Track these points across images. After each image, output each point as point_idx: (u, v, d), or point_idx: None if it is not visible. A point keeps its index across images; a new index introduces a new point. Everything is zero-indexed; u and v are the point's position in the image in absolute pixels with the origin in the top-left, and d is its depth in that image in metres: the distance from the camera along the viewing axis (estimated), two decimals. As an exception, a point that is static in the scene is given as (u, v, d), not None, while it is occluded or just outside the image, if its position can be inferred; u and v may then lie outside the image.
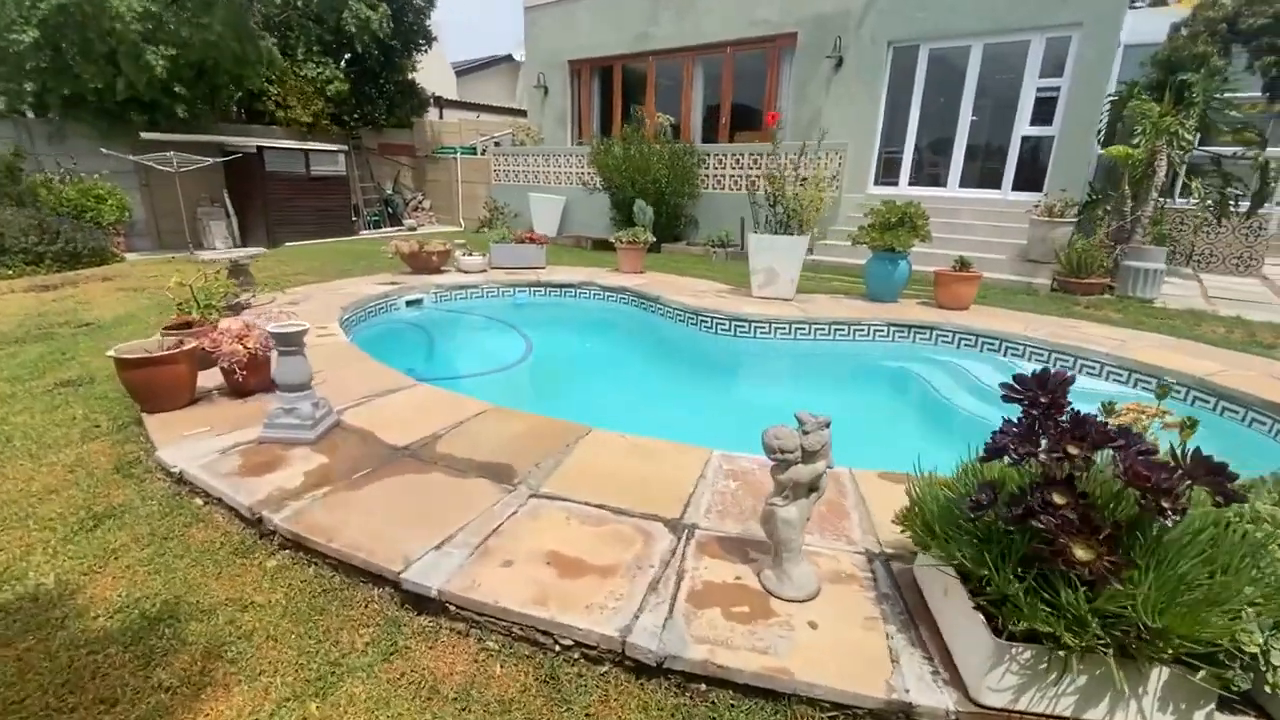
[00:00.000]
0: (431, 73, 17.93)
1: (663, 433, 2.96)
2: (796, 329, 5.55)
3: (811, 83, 10.72)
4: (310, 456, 2.69)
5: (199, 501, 2.51)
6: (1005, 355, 5.20)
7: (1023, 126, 9.18)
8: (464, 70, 21.76)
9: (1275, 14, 7.30)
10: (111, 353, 3.02)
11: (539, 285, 7.11)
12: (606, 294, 6.95)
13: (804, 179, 6.35)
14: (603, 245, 11.67)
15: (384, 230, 14.85)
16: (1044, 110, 9.02)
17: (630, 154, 10.47)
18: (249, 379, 3.29)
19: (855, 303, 6.24)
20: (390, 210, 15.83)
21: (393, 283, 6.66)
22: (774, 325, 5.56)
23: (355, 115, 14.78)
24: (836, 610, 1.82)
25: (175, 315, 3.82)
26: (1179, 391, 4.32)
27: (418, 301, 6.48)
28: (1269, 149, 8.11)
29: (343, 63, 14.37)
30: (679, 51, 12.18)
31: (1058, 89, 8.83)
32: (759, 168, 10.19)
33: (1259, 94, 8.07)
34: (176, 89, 10.40)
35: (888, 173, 10.63)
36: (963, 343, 5.41)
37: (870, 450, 4.04)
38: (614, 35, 12.87)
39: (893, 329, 5.58)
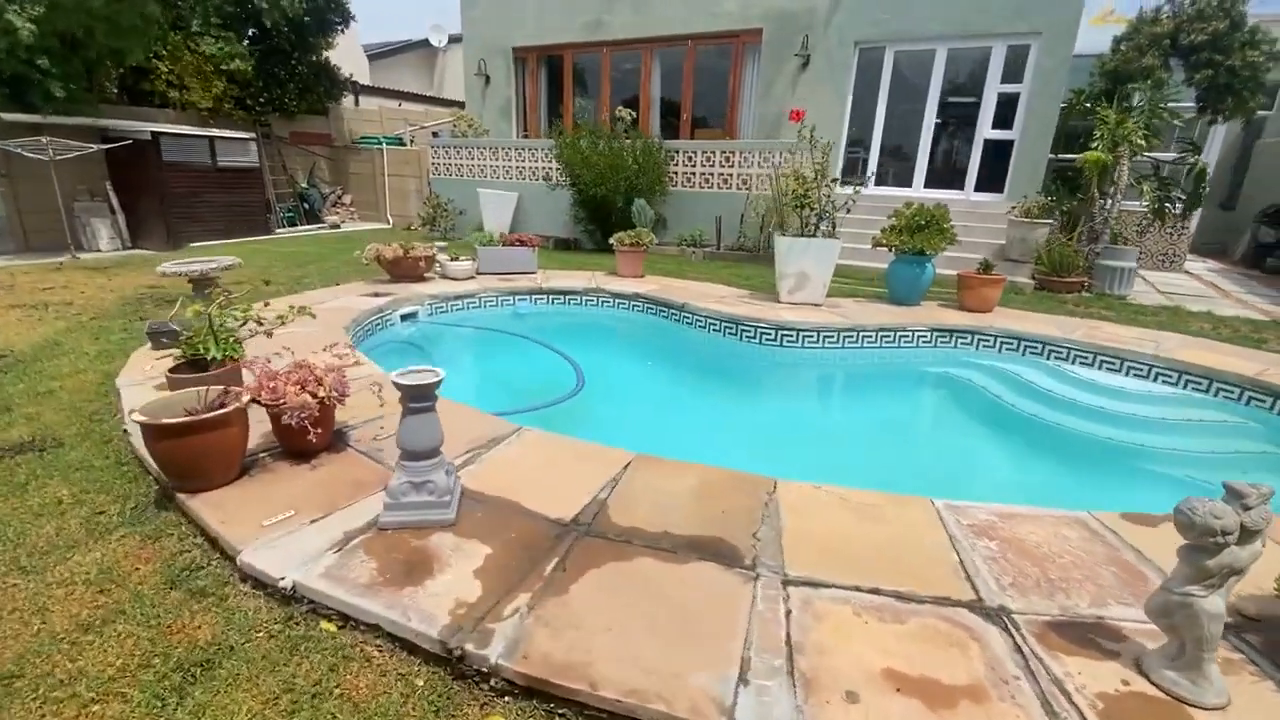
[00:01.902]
0: (342, 56, 16.28)
1: (766, 466, 2.62)
2: (845, 337, 5.31)
3: (778, 81, 10.61)
4: (462, 546, 2.04)
5: (330, 627, 1.81)
6: (1050, 359, 5.22)
7: (985, 130, 9.52)
8: (376, 54, 20.02)
9: (1213, 31, 7.94)
10: (138, 417, 2.18)
11: (539, 292, 6.44)
12: (617, 301, 6.40)
13: (815, 177, 6.10)
14: (564, 245, 11.02)
15: (301, 229, 13.30)
16: (1004, 114, 9.40)
17: (599, 149, 9.88)
18: (322, 437, 2.53)
19: (883, 306, 6.10)
20: (307, 206, 14.21)
21: (377, 294, 5.76)
22: (822, 334, 5.28)
23: (262, 99, 13.08)
24: (1258, 708, 1.51)
25: (181, 353, 2.92)
26: (1232, 392, 4.47)
27: (412, 315, 5.64)
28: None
29: (246, 39, 12.64)
30: (636, 43, 11.69)
31: (1018, 94, 9.22)
32: (730, 165, 9.97)
33: (1192, 104, 8.81)
34: (40, 62, 8.59)
35: (854, 173, 10.73)
36: (1004, 346, 5.39)
37: (974, 474, 3.88)
38: (564, 22, 12.16)
39: (935, 334, 5.47)
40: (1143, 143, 7.87)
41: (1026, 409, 4.62)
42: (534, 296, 6.40)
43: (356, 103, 16.55)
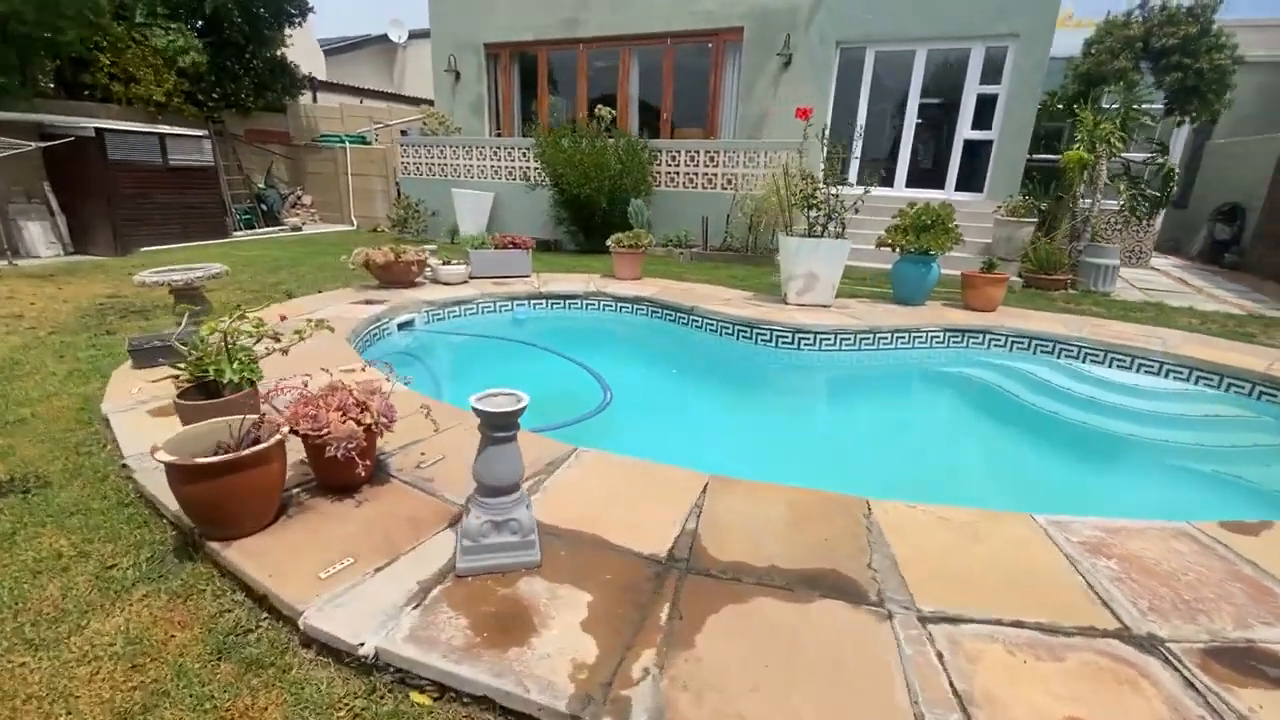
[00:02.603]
0: (298, 51, 15.53)
1: (816, 477, 2.53)
2: (862, 339, 5.22)
3: (760, 81, 10.55)
4: (557, 593, 1.81)
5: (424, 700, 1.55)
6: (1061, 357, 5.24)
7: (965, 130, 9.66)
8: (333, 49, 19.20)
9: (1183, 35, 8.23)
10: (165, 457, 1.86)
11: (538, 297, 6.17)
12: (620, 305, 6.18)
13: (825, 176, 6.02)
14: (544, 246, 10.69)
15: (260, 231, 12.61)
16: (983, 115, 9.55)
17: (581, 148, 9.62)
18: (369, 469, 2.24)
19: (889, 307, 6.05)
20: (265, 207, 13.48)
21: (369, 301, 5.39)
22: (839, 336, 5.18)
23: (215, 95, 12.33)
24: None
25: (186, 375, 2.57)
26: (1243, 387, 4.56)
27: (409, 323, 5.29)
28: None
29: (195, 30, 11.87)
30: (614, 40, 11.46)
31: (996, 95, 9.38)
32: (715, 165, 9.86)
33: (1159, 106, 9.13)
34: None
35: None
36: (1015, 345, 5.40)
37: (1014, 476, 3.80)
38: (538, 18, 11.83)
39: (948, 334, 5.44)
40: (1120, 144, 8.08)
41: (1050, 408, 4.61)
42: (533, 301, 6.12)
43: (315, 99, 15.84)
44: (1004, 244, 8.26)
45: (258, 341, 2.65)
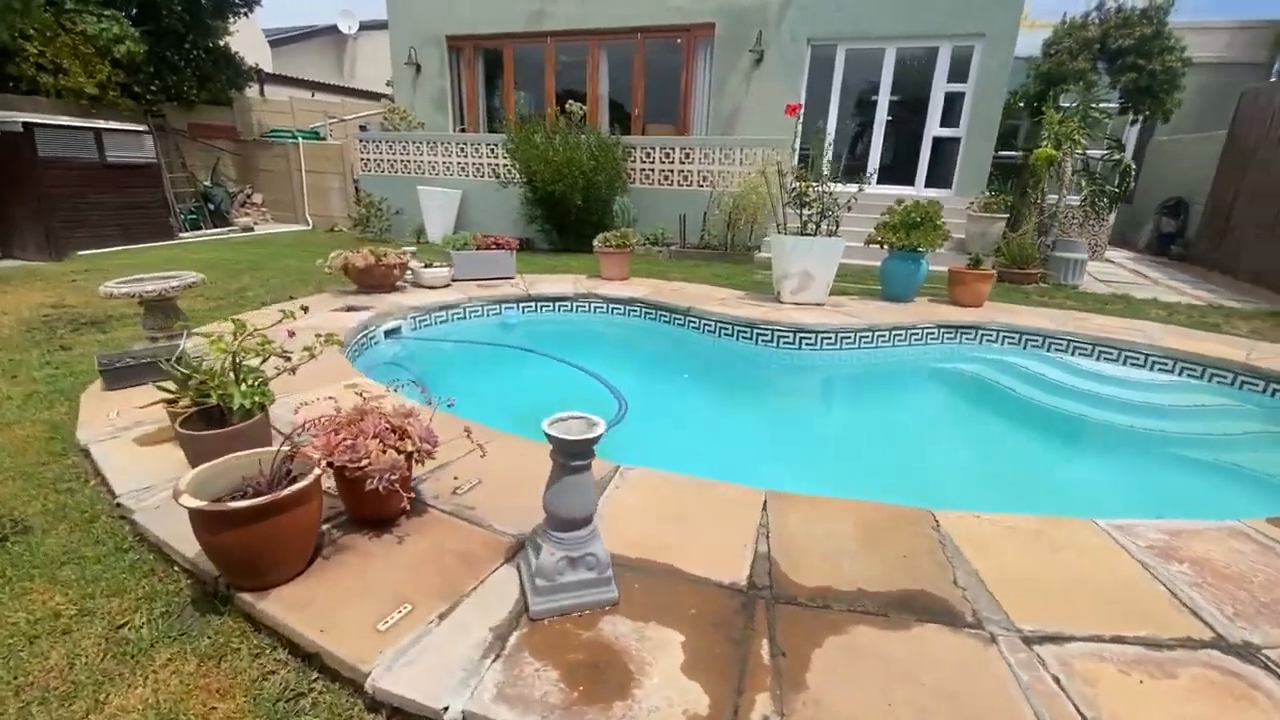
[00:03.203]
0: (242, 41, 14.74)
1: (844, 484, 2.59)
2: (861, 337, 5.21)
3: (732, 77, 10.51)
4: (645, 634, 1.67)
5: (521, 766, 1.39)
6: (1050, 350, 5.35)
7: (934, 127, 9.84)
8: (280, 40, 18.29)
9: (1139, 37, 8.57)
10: (193, 502, 1.63)
11: (528, 300, 5.95)
12: (612, 307, 6.02)
13: (819, 175, 6.00)
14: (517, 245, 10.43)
15: (208, 232, 11.91)
16: (951, 112, 9.76)
17: (555, 143, 9.38)
18: (411, 501, 2.05)
19: (880, 304, 6.08)
20: (212, 207, 12.72)
21: (350, 307, 5.08)
22: (839, 335, 5.16)
23: (154, 87, 11.56)
24: None
25: (186, 400, 2.30)
26: (1225, 377, 4.74)
27: (396, 330, 5.01)
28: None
29: (130, 18, 11.06)
30: (582, 34, 11.23)
31: (963, 93, 9.58)
32: (690, 162, 9.78)
33: (1115, 105, 9.50)
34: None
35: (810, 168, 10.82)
36: (1006, 340, 5.49)
37: (1028, 473, 3.81)
38: (503, 11, 11.50)
39: (942, 331, 5.50)
40: (1084, 141, 8.37)
41: (1053, 403, 4.69)
42: (522, 304, 5.90)
43: (262, 92, 15.08)
44: (978, 239, 8.45)
45: (264, 361, 2.40)
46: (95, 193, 9.55)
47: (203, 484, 1.76)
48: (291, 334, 2.44)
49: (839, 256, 5.76)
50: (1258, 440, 4.22)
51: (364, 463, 1.89)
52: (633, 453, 2.65)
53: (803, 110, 10.37)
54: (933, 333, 5.47)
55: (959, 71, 9.55)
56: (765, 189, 8.81)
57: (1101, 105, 8.88)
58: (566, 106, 10.15)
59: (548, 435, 1.65)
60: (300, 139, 13.36)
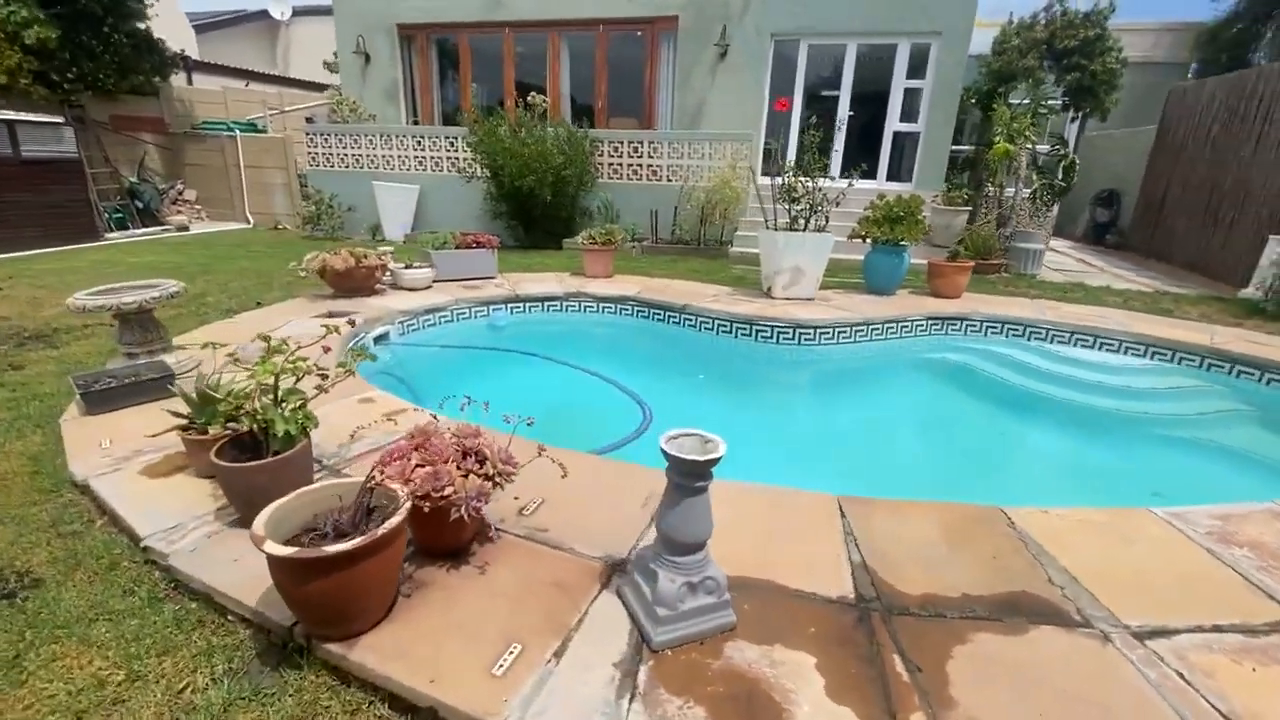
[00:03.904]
0: (161, 25, 13.71)
1: (881, 478, 2.73)
2: (857, 331, 5.28)
3: (696, 71, 10.48)
4: (775, 658, 1.59)
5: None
6: (1030, 339, 5.57)
7: (894, 122, 10.10)
8: (205, 25, 17.06)
9: (1083, 39, 9.02)
10: (278, 550, 1.44)
11: (516, 300, 5.75)
12: (603, 306, 5.89)
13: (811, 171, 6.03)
14: (482, 243, 10.11)
15: (138, 232, 11.03)
16: (909, 108, 10.03)
17: (521, 137, 9.11)
18: (488, 528, 1.90)
19: (866, 297, 6.18)
20: (140, 205, 11.79)
21: (331, 313, 4.77)
22: (837, 330, 5.21)
23: (71, 74, 10.58)
24: None
25: (215, 426, 2.06)
26: (1194, 360, 5.04)
27: (384, 337, 4.74)
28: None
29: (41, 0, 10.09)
30: (541, 25, 10.95)
31: (921, 89, 9.87)
32: (659, 156, 9.70)
33: (1059, 102, 9.99)
34: None
35: (774, 162, 10.92)
36: (990, 330, 5.68)
37: (1036, 460, 3.95)
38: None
39: (930, 322, 5.63)
40: (1036, 137, 8.75)
41: (1041, 390, 4.87)
42: (510, 306, 5.70)
43: (190, 80, 14.06)
44: (943, 231, 8.73)
45: (298, 379, 2.18)
46: (10, 191, 8.69)
47: (277, 525, 1.57)
48: (327, 350, 2.23)
49: (829, 251, 5.81)
50: (1230, 419, 4.51)
51: (447, 490, 1.74)
52: (656, 459, 2.56)
53: (767, 101, 10.50)
54: (922, 324, 5.60)
55: (917, 68, 9.82)
56: (737, 183, 8.89)
57: (1048, 102, 9.31)
58: (529, 99, 9.89)
59: (667, 455, 1.55)
60: (237, 131, 12.53)
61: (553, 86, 11.21)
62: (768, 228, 5.99)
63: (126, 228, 11.30)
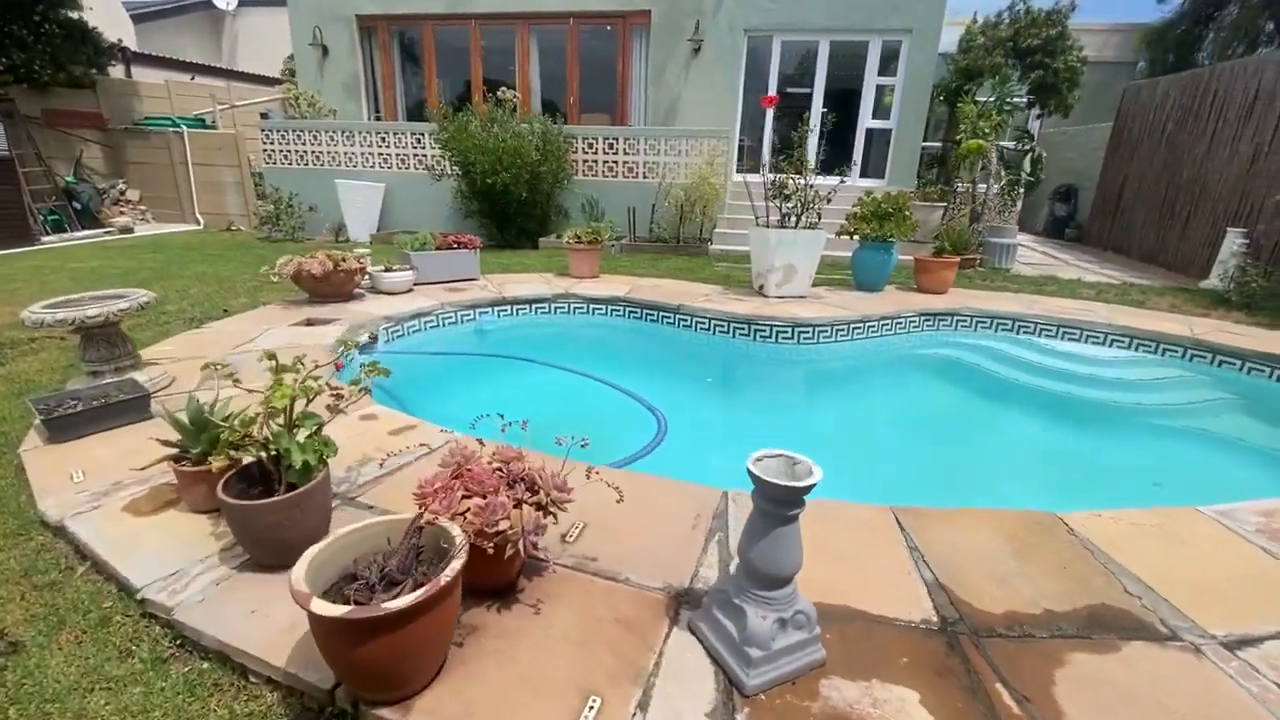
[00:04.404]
0: (98, 16, 12.87)
1: (910, 482, 2.64)
2: (854, 329, 5.24)
3: (670, 66, 10.34)
4: (876, 695, 1.47)
5: None
6: (1019, 333, 5.63)
7: (866, 120, 10.17)
8: (143, 15, 16.08)
9: (1045, 38, 9.23)
10: (326, 609, 1.24)
11: (503, 303, 5.51)
12: (593, 307, 5.71)
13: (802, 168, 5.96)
14: (453, 243, 9.77)
15: (76, 235, 10.30)
16: (882, 105, 10.11)
17: (494, 133, 8.82)
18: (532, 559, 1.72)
19: (855, 294, 6.17)
20: (78, 206, 11.02)
21: (310, 321, 4.47)
22: (835, 328, 5.16)
23: (-2, 65, 9.81)
24: None
25: (219, 459, 1.82)
26: (1177, 351, 5.17)
27: (369, 344, 4.46)
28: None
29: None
30: (509, 17, 10.64)
31: (893, 86, 9.96)
32: (635, 153, 9.54)
33: (1023, 100, 10.23)
34: None
35: (746, 159, 10.90)
36: (979, 325, 5.72)
37: (1046, 454, 3.95)
38: (420, -12, 10.68)
39: (923, 318, 5.64)
40: (1002, 133, 8.93)
41: (1039, 384, 4.92)
42: (498, 309, 5.46)
43: (129, 73, 13.23)
44: (920, 227, 8.81)
45: (309, 401, 1.95)
46: (-69, 192, 7.95)
47: (316, 574, 1.37)
48: (339, 366, 2.01)
49: (821, 249, 5.76)
50: (1217, 407, 4.62)
51: (502, 525, 1.55)
52: (679, 467, 2.43)
53: (743, 101, 10.44)
54: (915, 321, 5.60)
55: (889, 65, 9.91)
56: (715, 180, 8.81)
57: (1013, 99, 9.51)
58: (499, 94, 9.61)
59: (758, 479, 1.41)
60: (184, 127, 11.83)
61: (522, 81, 10.92)
62: (758, 225, 5.90)
63: (64, 230, 10.54)
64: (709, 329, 5.26)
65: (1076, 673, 1.57)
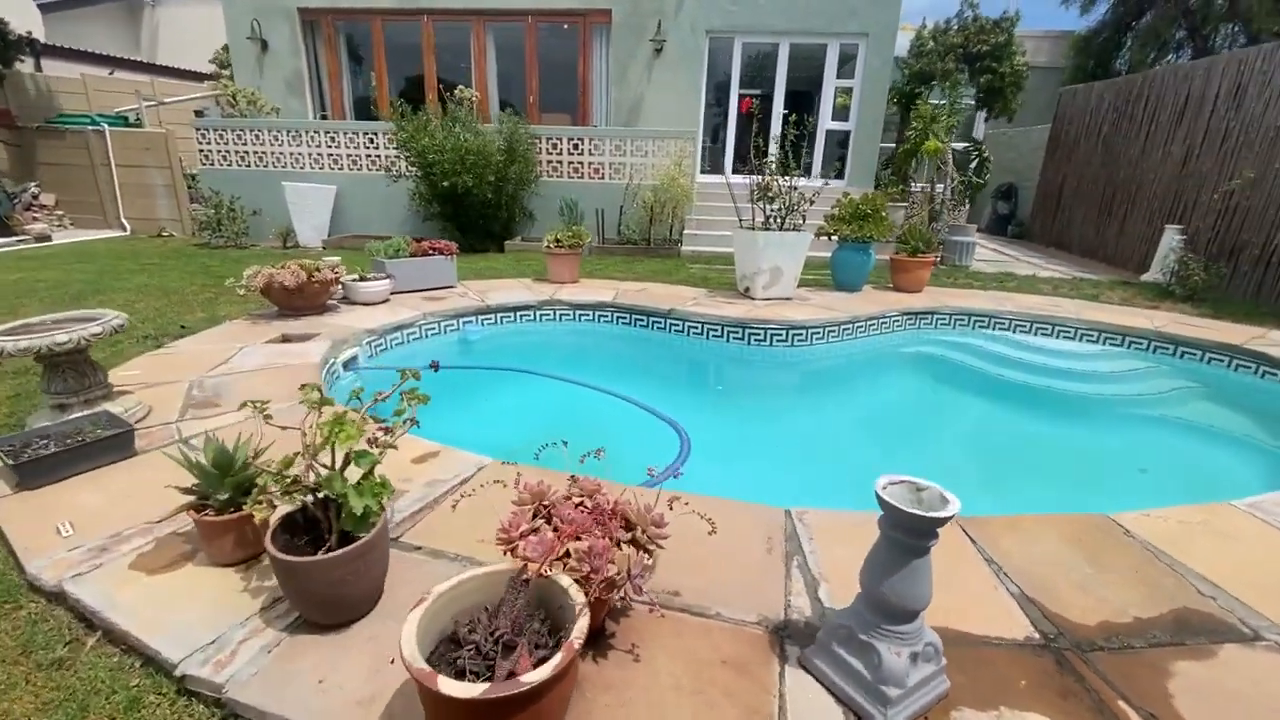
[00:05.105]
0: (1, 6, 11.78)
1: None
2: (844, 330, 5.29)
3: (633, 67, 10.24)
4: (1007, 724, 1.42)
5: None
6: (995, 329, 5.81)
7: (826, 121, 10.35)
8: (52, 5, 14.76)
9: (994, 44, 9.62)
10: (461, 692, 1.08)
11: (486, 311, 5.29)
12: (580, 313, 5.56)
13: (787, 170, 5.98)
14: (414, 248, 9.38)
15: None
16: (838, 107, 10.32)
17: (455, 132, 8.51)
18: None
19: (836, 294, 6.24)
20: (-16, 213, 10.02)
21: (286, 337, 4.15)
22: (827, 329, 5.19)
23: (-118, 54, 8.78)
24: None
25: (260, 507, 1.60)
26: (1142, 343, 5.44)
27: (353, 360, 4.18)
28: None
29: None
30: (464, 14, 10.29)
31: (851, 89, 10.17)
32: (600, 154, 9.41)
33: (972, 102, 10.65)
34: None
35: (710, 160, 10.93)
36: (957, 323, 5.88)
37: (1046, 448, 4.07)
38: (367, -19, 10.20)
39: (906, 317, 5.75)
40: (954, 134, 9.25)
41: (1021, 379, 5.09)
42: (480, 317, 5.24)
43: (38, 67, 12.14)
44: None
45: (354, 439, 1.76)
46: None
47: (424, 636, 1.20)
48: (382, 398, 1.82)
49: (806, 250, 5.79)
50: (1185, 395, 4.89)
51: (609, 570, 1.42)
52: (705, 482, 2.36)
53: (705, 101, 10.44)
54: (899, 320, 5.70)
55: (847, 68, 10.11)
56: (684, 180, 8.77)
57: (963, 102, 9.88)
58: (457, 92, 9.29)
59: (894, 509, 1.33)
60: (106, 126, 10.92)
61: (479, 80, 10.60)
62: (742, 227, 5.89)
63: (-32, 239, 9.55)
64: (702, 333, 5.20)
65: (1187, 683, 1.56)
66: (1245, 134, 7.36)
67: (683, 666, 1.55)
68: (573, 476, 1.71)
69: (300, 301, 4.55)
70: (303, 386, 1.72)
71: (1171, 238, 7.78)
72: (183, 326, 4.66)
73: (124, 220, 11.21)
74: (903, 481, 1.42)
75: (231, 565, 1.84)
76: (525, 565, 1.35)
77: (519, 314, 5.43)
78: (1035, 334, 5.73)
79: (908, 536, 1.37)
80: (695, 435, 3.44)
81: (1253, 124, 7.26)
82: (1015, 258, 10.18)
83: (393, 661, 1.50)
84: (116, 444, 2.40)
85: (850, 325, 5.31)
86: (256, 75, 10.72)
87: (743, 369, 5.09)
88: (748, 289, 5.86)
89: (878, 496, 1.37)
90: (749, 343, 5.09)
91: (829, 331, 5.19)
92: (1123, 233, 9.50)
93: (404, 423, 1.86)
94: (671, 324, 5.31)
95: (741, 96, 10.23)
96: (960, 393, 5.01)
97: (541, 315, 5.50)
